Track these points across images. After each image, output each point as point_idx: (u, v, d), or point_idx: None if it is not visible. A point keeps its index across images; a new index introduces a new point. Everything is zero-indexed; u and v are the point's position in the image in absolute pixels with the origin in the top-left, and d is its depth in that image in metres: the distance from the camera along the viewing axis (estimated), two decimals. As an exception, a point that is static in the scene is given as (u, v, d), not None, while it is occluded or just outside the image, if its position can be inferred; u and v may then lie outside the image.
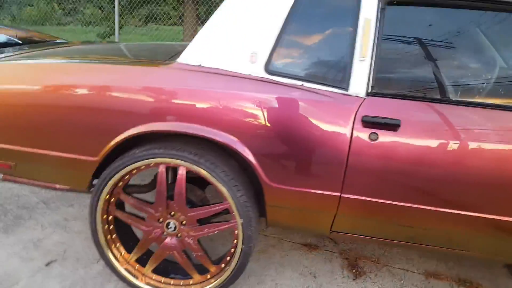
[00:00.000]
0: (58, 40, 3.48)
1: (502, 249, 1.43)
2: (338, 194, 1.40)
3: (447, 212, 1.36)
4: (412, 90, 1.37)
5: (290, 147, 1.36)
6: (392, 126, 1.31)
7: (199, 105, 1.39)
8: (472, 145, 1.29)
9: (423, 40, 1.39)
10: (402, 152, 1.31)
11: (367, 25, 1.36)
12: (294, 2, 1.41)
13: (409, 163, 1.31)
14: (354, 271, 1.92)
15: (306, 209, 1.46)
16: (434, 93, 1.36)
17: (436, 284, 1.86)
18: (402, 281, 1.87)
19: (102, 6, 8.28)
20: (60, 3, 9.90)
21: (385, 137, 1.32)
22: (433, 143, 1.30)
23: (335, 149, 1.35)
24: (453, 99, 1.34)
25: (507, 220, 1.34)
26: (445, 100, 1.34)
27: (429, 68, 1.38)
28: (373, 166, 1.34)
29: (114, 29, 7.02)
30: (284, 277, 1.85)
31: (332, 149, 1.35)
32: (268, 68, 1.41)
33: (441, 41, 1.38)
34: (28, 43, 3.23)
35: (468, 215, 1.35)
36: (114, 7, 6.82)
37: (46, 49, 2.02)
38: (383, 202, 1.39)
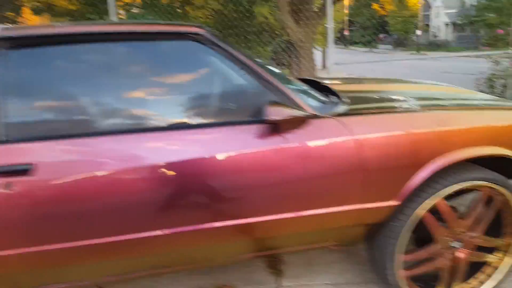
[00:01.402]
0: None
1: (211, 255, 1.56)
2: None
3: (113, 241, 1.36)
4: (44, 130, 1.36)
5: None
6: (24, 171, 1.26)
7: None
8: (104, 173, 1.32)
9: (51, 79, 1.39)
10: (43, 194, 1.28)
11: None
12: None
13: (54, 202, 1.29)
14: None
15: None
16: (65, 129, 1.37)
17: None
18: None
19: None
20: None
21: (21, 184, 1.26)
22: (72, 178, 1.30)
23: None
24: (84, 132, 1.37)
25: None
26: (75, 134, 1.35)
27: (58, 107, 1.40)
28: (20, 215, 1.27)
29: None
30: None
31: None
32: None
33: (65, 78, 1.41)
34: None
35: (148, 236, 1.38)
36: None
37: None
38: (50, 248, 1.32)
